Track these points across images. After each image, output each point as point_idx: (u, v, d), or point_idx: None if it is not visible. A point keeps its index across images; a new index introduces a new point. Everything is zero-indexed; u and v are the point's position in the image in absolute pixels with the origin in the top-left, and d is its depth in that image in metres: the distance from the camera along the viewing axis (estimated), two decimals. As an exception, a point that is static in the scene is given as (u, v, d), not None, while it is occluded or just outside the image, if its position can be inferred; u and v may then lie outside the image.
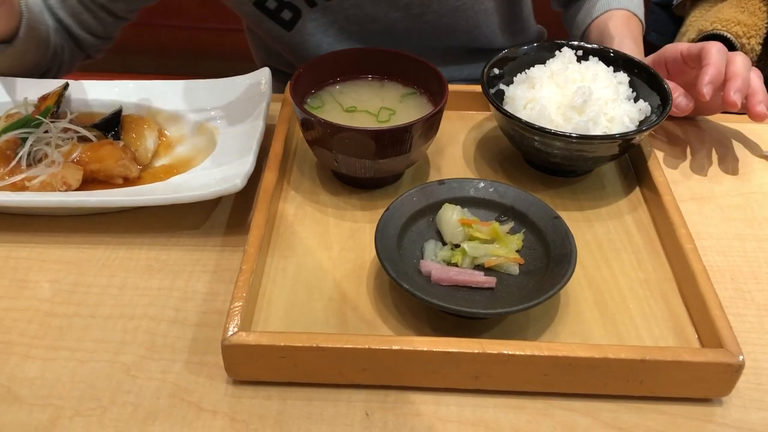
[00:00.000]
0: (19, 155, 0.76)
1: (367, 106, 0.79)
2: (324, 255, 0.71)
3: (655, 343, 0.63)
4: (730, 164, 0.86)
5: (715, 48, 0.79)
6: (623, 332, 0.64)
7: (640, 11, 1.04)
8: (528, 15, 1.10)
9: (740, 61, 0.79)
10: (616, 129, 0.75)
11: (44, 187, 0.74)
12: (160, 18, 1.70)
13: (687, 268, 0.66)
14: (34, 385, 0.60)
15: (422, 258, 0.67)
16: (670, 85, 0.79)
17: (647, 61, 0.87)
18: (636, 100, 0.80)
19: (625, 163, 0.84)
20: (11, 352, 0.62)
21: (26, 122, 0.79)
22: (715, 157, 0.87)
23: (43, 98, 0.83)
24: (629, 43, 0.93)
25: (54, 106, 0.82)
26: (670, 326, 0.65)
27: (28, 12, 0.88)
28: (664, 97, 0.77)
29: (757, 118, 0.78)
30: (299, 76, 0.77)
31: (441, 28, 1.00)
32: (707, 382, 0.58)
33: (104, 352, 0.62)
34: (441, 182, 0.71)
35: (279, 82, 0.91)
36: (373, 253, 0.70)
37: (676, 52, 0.83)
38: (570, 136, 0.72)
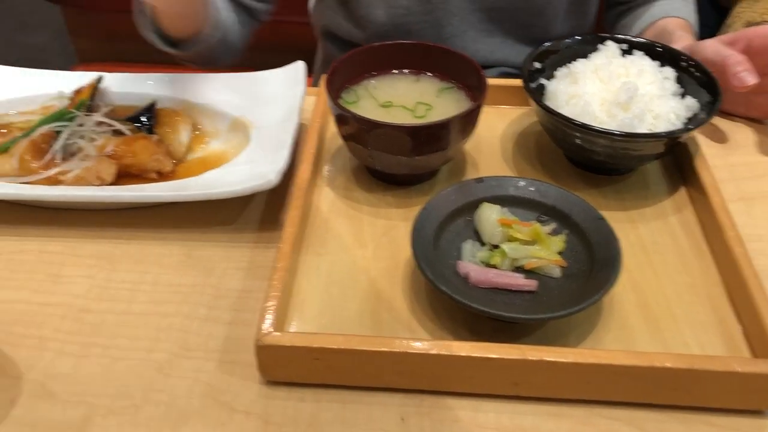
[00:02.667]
0: (54, 149, 0.76)
1: (403, 100, 0.78)
2: (358, 253, 0.70)
3: (703, 352, 0.60)
4: (780, 163, 0.82)
5: None
6: (669, 339, 0.61)
7: (696, 26, 1.02)
8: (593, 3, 1.07)
9: None
10: (661, 127, 0.73)
11: (78, 181, 0.74)
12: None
13: (736, 272, 0.64)
14: (68, 381, 0.59)
15: (459, 259, 0.65)
16: (737, 57, 0.76)
17: (725, 38, 0.82)
18: (683, 96, 0.77)
19: (669, 161, 0.81)
20: (45, 347, 0.62)
21: (61, 115, 0.79)
22: (765, 155, 0.83)
23: (78, 91, 0.83)
24: (688, 37, 0.90)
25: (89, 99, 0.81)
26: (719, 334, 0.62)
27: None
28: (714, 94, 0.74)
29: None
30: (335, 70, 0.76)
31: None
32: (759, 393, 0.56)
33: (137, 350, 0.62)
34: (479, 180, 0.69)
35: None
36: (408, 251, 0.68)
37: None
38: (614, 134, 0.69)
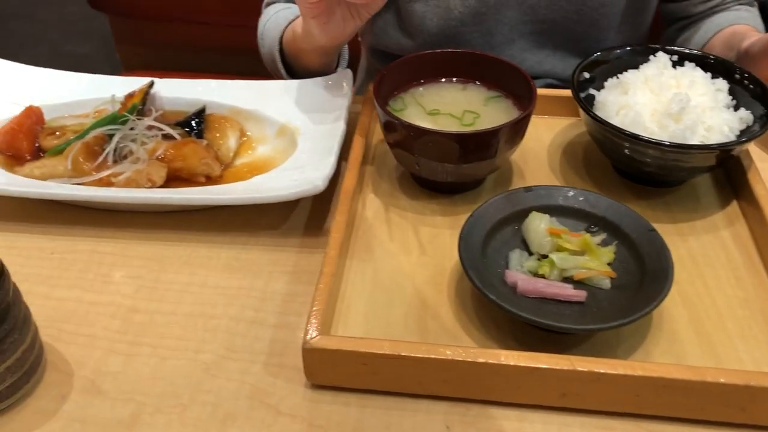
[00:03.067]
0: (106, 151, 0.78)
1: (450, 109, 0.78)
2: (403, 260, 0.70)
3: (757, 368, 0.59)
4: (836, 178, 0.80)
5: None
6: (721, 354, 0.60)
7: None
8: (649, 13, 1.05)
9: None
10: (714, 139, 0.71)
11: (129, 183, 0.75)
12: (238, 19, 1.72)
13: (792, 288, 0.62)
14: (117, 379, 0.60)
15: (507, 268, 0.64)
16: None
17: None
18: (736, 108, 0.75)
19: (719, 174, 0.79)
20: (95, 345, 0.63)
21: (113, 119, 0.81)
22: (819, 170, 0.81)
23: (130, 96, 0.85)
24: (756, 34, 0.87)
25: (140, 104, 0.83)
26: (774, 350, 0.60)
27: None
28: (769, 106, 0.73)
29: None
30: (382, 77, 0.76)
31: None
32: (818, 413, 0.54)
33: (185, 350, 0.63)
34: (528, 189, 0.69)
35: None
36: (454, 259, 0.68)
37: None
38: (665, 145, 0.68)
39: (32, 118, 0.82)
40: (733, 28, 0.97)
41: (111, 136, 0.79)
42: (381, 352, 0.56)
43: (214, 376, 0.60)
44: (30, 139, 0.81)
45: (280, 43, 0.93)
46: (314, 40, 0.82)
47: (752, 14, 1.02)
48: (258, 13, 1.13)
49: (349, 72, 0.85)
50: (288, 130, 0.82)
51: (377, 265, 0.69)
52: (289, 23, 0.95)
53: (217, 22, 1.73)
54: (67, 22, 2.94)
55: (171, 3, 1.67)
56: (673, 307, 0.64)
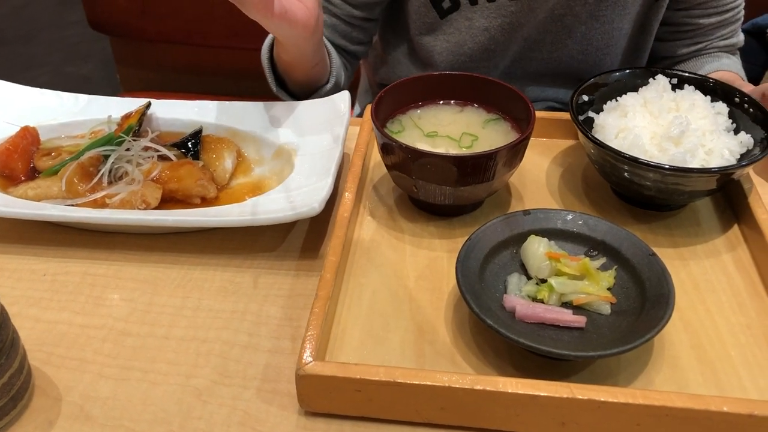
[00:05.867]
0: (101, 172, 0.77)
1: (448, 131, 0.77)
2: (400, 284, 0.68)
3: (761, 396, 0.58)
4: (838, 202, 0.79)
5: None
6: (724, 382, 0.59)
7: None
8: (647, 52, 1.07)
9: None
10: (714, 162, 0.71)
11: (124, 204, 0.74)
12: (239, 41, 1.73)
13: (795, 314, 0.61)
14: (106, 405, 0.59)
15: (505, 292, 0.63)
16: None
17: None
18: (736, 131, 0.75)
19: (720, 198, 0.79)
20: (85, 369, 0.62)
21: (109, 140, 0.80)
22: (821, 194, 0.81)
23: (126, 116, 0.84)
24: (748, 86, 0.89)
25: (136, 125, 0.82)
26: (778, 378, 0.59)
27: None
28: (769, 130, 0.72)
29: None
30: (380, 99, 0.76)
31: (576, 36, 0.98)
32: (824, 443, 0.53)
33: (176, 375, 0.61)
34: (526, 212, 0.68)
35: None
36: (452, 283, 0.67)
37: None
38: (665, 168, 0.68)
39: (28, 138, 0.82)
40: (720, 74, 1.00)
41: (106, 157, 0.78)
42: (376, 378, 0.55)
43: (205, 402, 0.59)
44: (25, 159, 0.80)
45: (270, 54, 0.93)
46: (283, 39, 0.82)
47: (734, 62, 1.05)
48: (258, 36, 1.13)
49: (346, 93, 0.85)
50: (285, 152, 0.81)
51: (374, 288, 0.68)
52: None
53: (217, 45, 1.73)
54: (68, 44, 2.96)
55: (171, 25, 1.68)
56: (675, 333, 0.63)
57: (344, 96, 0.85)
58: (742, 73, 1.04)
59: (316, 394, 0.57)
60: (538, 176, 0.82)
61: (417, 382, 0.55)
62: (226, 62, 1.84)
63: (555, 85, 1.04)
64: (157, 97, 0.89)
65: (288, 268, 0.72)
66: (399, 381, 0.55)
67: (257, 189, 0.79)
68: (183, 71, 1.84)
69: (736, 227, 0.75)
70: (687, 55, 1.05)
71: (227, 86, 1.90)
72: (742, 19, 1.05)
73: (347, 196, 0.73)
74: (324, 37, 0.97)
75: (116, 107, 0.87)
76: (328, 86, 0.93)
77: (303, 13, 0.77)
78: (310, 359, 0.56)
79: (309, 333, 0.58)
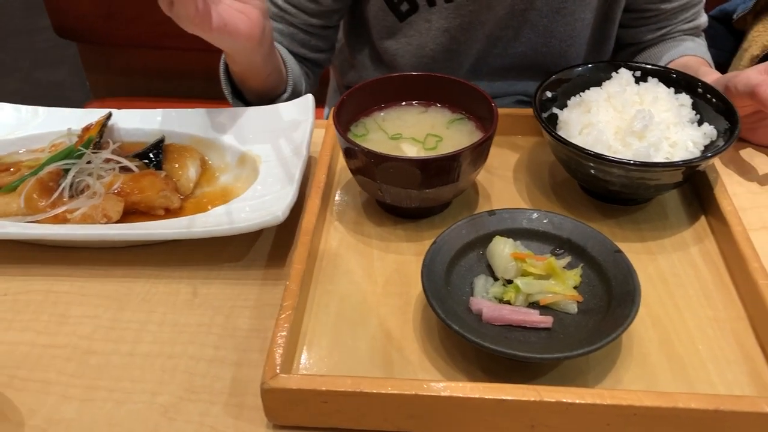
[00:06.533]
0: (62, 187, 0.75)
1: (412, 132, 0.76)
2: (368, 290, 0.68)
3: (729, 390, 0.58)
4: (803, 189, 0.80)
5: None
6: (693, 377, 0.59)
7: (713, 66, 1.01)
8: (612, 40, 1.07)
9: None
10: (678, 155, 0.71)
11: (85, 219, 0.73)
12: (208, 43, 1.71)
13: (761, 305, 0.61)
14: (71, 427, 0.58)
15: (472, 295, 0.63)
16: (762, 77, 0.74)
17: (765, 66, 0.79)
18: (700, 123, 0.75)
19: (688, 189, 0.79)
20: (49, 391, 0.61)
21: (69, 153, 0.78)
22: (786, 182, 0.81)
23: (87, 128, 0.83)
24: (714, 72, 0.89)
25: (97, 136, 0.81)
26: (745, 371, 0.59)
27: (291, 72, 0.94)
28: (732, 121, 0.72)
29: None
30: (343, 103, 0.75)
31: (538, 29, 0.97)
32: (790, 436, 0.53)
33: (142, 393, 0.60)
34: (491, 213, 0.68)
35: None
36: (420, 287, 0.67)
37: None
38: (629, 163, 0.67)
39: (-15, 154, 0.80)
40: (685, 59, 0.99)
41: (67, 170, 0.77)
42: (342, 389, 0.54)
43: (172, 419, 0.58)
44: (-17, 176, 0.79)
45: (225, 66, 0.92)
46: (229, 50, 0.81)
47: (699, 45, 1.04)
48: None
49: (310, 97, 0.84)
50: (249, 159, 0.80)
51: (342, 296, 0.67)
52: None
53: (187, 47, 1.71)
54: (37, 50, 2.91)
55: (139, 29, 1.65)
56: (644, 329, 0.63)
57: (308, 100, 0.84)
58: (708, 56, 1.04)
59: (283, 408, 0.56)
60: (506, 174, 0.82)
61: (384, 391, 0.54)
62: (197, 65, 1.81)
63: (523, 78, 1.04)
64: (129, 103, 0.88)
65: (255, 277, 0.71)
66: (366, 391, 0.54)
67: (223, 197, 0.78)
68: (154, 75, 1.81)
69: (703, 219, 0.75)
70: (652, 41, 1.05)
71: (199, 89, 1.88)
72: (704, 0, 1.05)
73: (313, 202, 0.73)
74: (282, 46, 0.97)
75: (77, 119, 0.85)
76: (285, 95, 0.92)
77: (245, 25, 0.76)
78: (274, 373, 0.55)
79: (274, 345, 0.57)
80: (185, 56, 1.72)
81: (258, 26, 0.77)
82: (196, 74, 1.83)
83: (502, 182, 0.81)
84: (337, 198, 0.79)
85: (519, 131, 0.87)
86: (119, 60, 1.79)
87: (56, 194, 0.75)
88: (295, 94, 0.93)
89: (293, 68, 0.95)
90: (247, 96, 0.93)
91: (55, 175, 0.77)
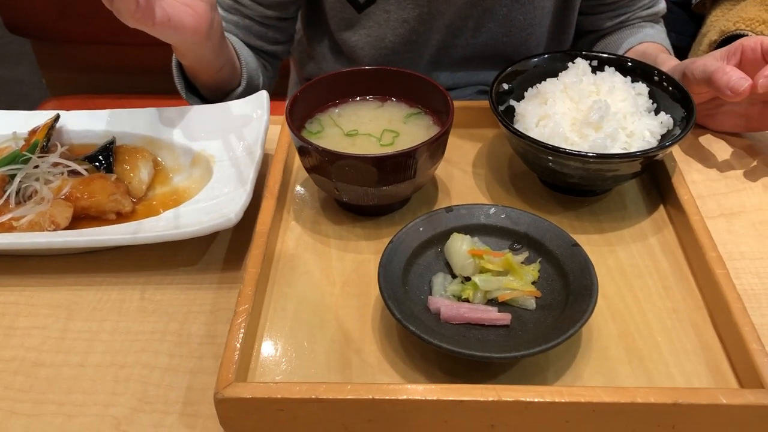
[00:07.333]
0: (7, 193, 0.73)
1: (369, 128, 0.75)
2: (326, 291, 0.67)
3: (688, 382, 0.58)
4: (760, 176, 0.80)
5: None
6: (652, 370, 0.59)
7: (672, 52, 1.01)
8: (572, 27, 1.06)
9: None
10: (636, 145, 0.70)
11: (32, 226, 0.70)
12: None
13: (719, 295, 0.61)
14: (18, 445, 0.56)
15: (430, 293, 0.62)
16: (724, 69, 0.73)
17: (722, 52, 0.79)
18: (657, 112, 0.74)
19: (647, 178, 0.78)
20: (-5, 408, 0.58)
21: (14, 158, 0.76)
22: (744, 169, 0.81)
23: (33, 132, 0.80)
24: (672, 59, 0.89)
25: (44, 140, 0.78)
26: (704, 362, 0.59)
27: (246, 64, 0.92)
28: (689, 108, 0.72)
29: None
30: (296, 99, 0.73)
31: (498, 18, 0.96)
32: (748, 427, 0.53)
33: (93, 405, 0.58)
34: (448, 209, 0.67)
35: None
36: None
37: (757, 43, 0.77)
38: (586, 156, 0.67)
39: (-74, 161, 0.77)
40: (644, 46, 0.99)
41: (13, 176, 0.74)
42: (298, 396, 0.53)
43: (124, 431, 0.56)
44: (-75, 184, 0.76)
45: (177, 60, 0.89)
46: (175, 45, 0.79)
47: (658, 31, 1.04)
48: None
49: (264, 94, 0.82)
50: (203, 159, 0.78)
51: (299, 298, 0.66)
52: None
53: (144, 42, 1.67)
54: (-5, 47, 2.83)
55: (94, 25, 1.61)
56: (603, 322, 0.62)
57: (262, 96, 0.82)
58: (667, 42, 1.04)
59: (239, 417, 0.55)
60: (465, 168, 0.81)
61: (341, 397, 0.53)
62: (155, 60, 1.77)
63: (485, 68, 1.03)
64: (87, 100, 0.85)
65: (210, 281, 0.69)
66: (322, 397, 0.53)
67: (177, 198, 0.76)
68: (112, 72, 1.77)
69: (662, 208, 0.75)
70: (611, 28, 1.05)
71: (159, 84, 1.83)
72: None
73: (268, 203, 0.71)
74: (237, 39, 0.94)
75: (23, 122, 0.82)
76: (239, 89, 0.90)
77: (191, 19, 0.74)
78: (227, 382, 0.54)
79: (228, 353, 0.56)
80: (143, 52, 1.68)
81: (205, 20, 0.75)
82: (156, 70, 1.78)
83: (462, 176, 0.80)
84: (294, 197, 0.77)
85: (478, 124, 0.86)
86: (76, 57, 1.74)
87: (1, 201, 0.73)
88: (251, 88, 0.91)
89: (248, 61, 0.93)
90: (201, 90, 0.91)
91: (0, 182, 0.74)
